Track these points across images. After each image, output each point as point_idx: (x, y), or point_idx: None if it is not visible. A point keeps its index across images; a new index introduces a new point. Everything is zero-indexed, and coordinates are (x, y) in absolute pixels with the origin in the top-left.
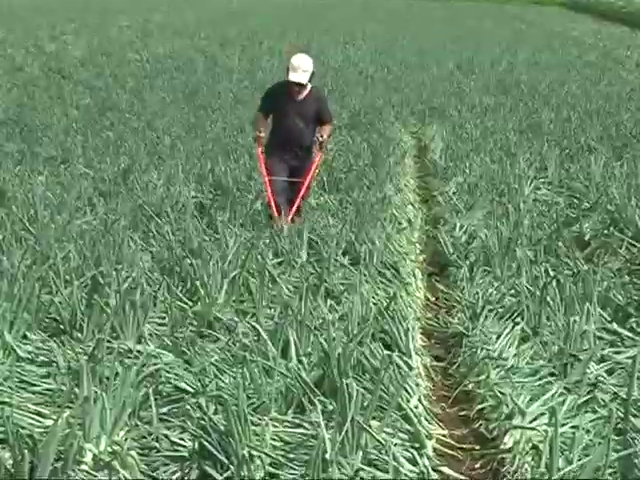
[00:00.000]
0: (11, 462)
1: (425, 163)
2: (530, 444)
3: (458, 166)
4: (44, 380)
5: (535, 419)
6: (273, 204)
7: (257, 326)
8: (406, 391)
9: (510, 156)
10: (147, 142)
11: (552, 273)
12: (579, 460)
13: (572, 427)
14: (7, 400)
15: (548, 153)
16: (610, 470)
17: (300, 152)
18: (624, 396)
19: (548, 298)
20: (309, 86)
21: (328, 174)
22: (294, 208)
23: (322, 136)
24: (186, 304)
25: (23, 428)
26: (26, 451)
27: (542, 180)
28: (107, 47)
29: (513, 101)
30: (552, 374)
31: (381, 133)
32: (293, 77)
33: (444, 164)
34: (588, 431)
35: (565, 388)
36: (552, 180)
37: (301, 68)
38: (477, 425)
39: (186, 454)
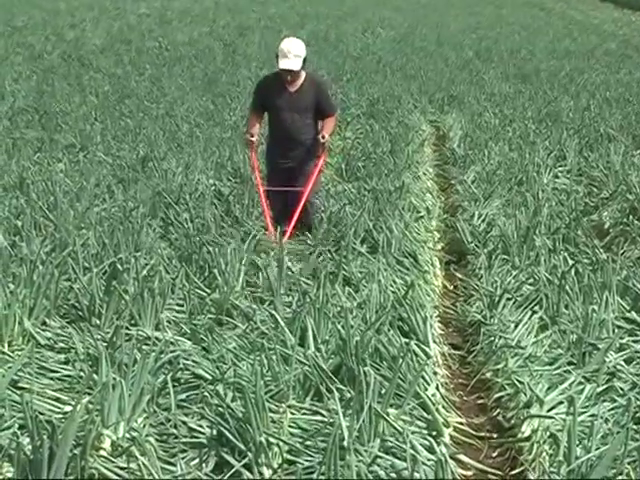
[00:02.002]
0: (30, 447)
1: (444, 151)
2: (548, 433)
3: (477, 154)
4: (63, 366)
5: (553, 408)
6: (268, 221)
7: (275, 314)
8: (424, 379)
9: (529, 144)
10: (166, 129)
11: (571, 262)
12: (597, 449)
13: (590, 416)
14: (26, 386)
15: (567, 141)
16: (629, 459)
17: (300, 152)
18: None
19: (567, 287)
20: (303, 73)
21: (346, 162)
22: (292, 225)
23: (323, 136)
24: (204, 292)
25: (42, 414)
26: (45, 437)
27: (561, 169)
28: (126, 34)
29: (532, 89)
30: (570, 363)
31: (400, 121)
32: (284, 64)
33: (463, 152)
34: (606, 420)
35: (583, 377)
36: (571, 169)
37: (292, 53)
38: (495, 413)
39: (204, 441)
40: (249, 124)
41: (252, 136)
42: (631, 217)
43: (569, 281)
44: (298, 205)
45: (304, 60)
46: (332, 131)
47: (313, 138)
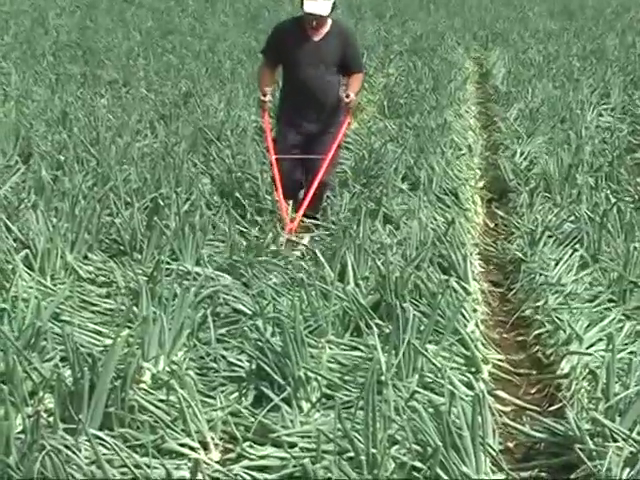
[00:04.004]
0: (71, 380)
1: (486, 89)
2: (587, 370)
3: (520, 92)
4: (104, 300)
5: (592, 345)
6: (281, 196)
7: (315, 250)
8: (463, 316)
9: (573, 82)
10: (208, 66)
11: (613, 200)
12: (636, 386)
13: (629, 353)
14: (68, 319)
15: (612, 79)
16: None
17: (321, 113)
18: None
19: (608, 225)
20: (330, 20)
21: (388, 99)
22: (307, 200)
23: (348, 95)
24: (245, 227)
25: (83, 346)
26: (86, 369)
27: (605, 106)
28: None
29: (577, 26)
30: (611, 300)
31: (443, 58)
32: (309, 7)
33: (506, 90)
34: None
35: (623, 314)
36: (615, 106)
37: None
38: (534, 350)
39: (243, 375)
40: (260, 80)
41: (264, 95)
42: None
43: (610, 219)
44: (314, 180)
45: (333, 4)
46: (358, 90)
47: (337, 98)
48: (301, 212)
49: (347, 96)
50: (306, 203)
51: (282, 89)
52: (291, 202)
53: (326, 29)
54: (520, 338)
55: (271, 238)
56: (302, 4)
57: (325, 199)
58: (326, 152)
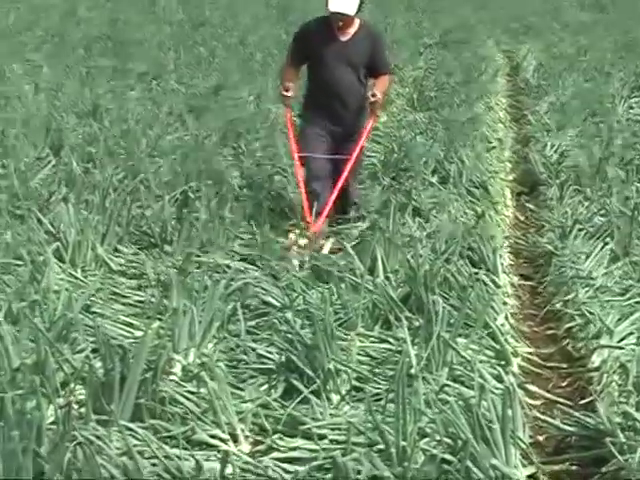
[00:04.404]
0: (102, 371)
1: (517, 82)
2: (618, 363)
3: (551, 85)
4: (135, 292)
5: (623, 339)
6: (304, 197)
7: (345, 243)
8: (493, 309)
9: (604, 75)
10: (239, 58)
11: None
12: None
13: None
14: (99, 311)
15: None
16: None
17: (346, 114)
18: None
19: (639, 218)
20: (358, 21)
21: (418, 92)
22: (331, 199)
23: (374, 94)
24: (274, 219)
25: (114, 338)
26: (117, 360)
27: (636, 100)
28: None
29: (609, 19)
30: None
31: (473, 51)
32: (335, 6)
33: (536, 83)
34: None
35: None
36: None
37: None
38: (564, 344)
39: (273, 367)
40: (284, 77)
41: (287, 91)
42: None
43: None
44: (337, 182)
45: (361, 3)
46: (385, 91)
47: (362, 100)
48: (325, 212)
49: (373, 95)
50: (329, 204)
51: (307, 88)
52: (316, 203)
53: (353, 29)
54: (550, 331)
55: (292, 239)
56: (327, 3)
57: (353, 204)
58: (350, 154)
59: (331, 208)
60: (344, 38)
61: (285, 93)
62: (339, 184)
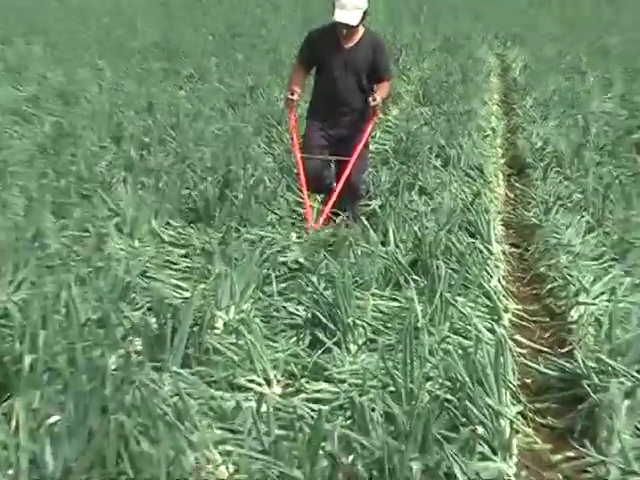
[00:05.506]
0: (156, 326)
1: (507, 80)
2: (593, 317)
3: (535, 83)
4: (183, 259)
5: (597, 297)
6: (305, 196)
7: (361, 217)
8: (487, 272)
9: (580, 74)
10: (270, 63)
11: (615, 173)
12: (634, 330)
13: (629, 303)
14: (153, 276)
15: (614, 72)
16: None
17: (350, 117)
18: None
19: (611, 195)
20: (362, 29)
21: (423, 89)
22: (332, 200)
23: (375, 98)
24: (302, 198)
25: (166, 298)
26: (168, 317)
27: (608, 95)
28: None
29: (579, 31)
30: (613, 259)
31: (470, 55)
32: (340, 16)
33: (523, 81)
34: None
35: (624, 271)
36: (616, 95)
37: (351, 3)
38: (547, 302)
39: (301, 322)
40: (291, 80)
41: (292, 94)
42: None
43: (613, 190)
44: (338, 182)
45: (364, 13)
46: (385, 96)
47: (364, 106)
48: (327, 209)
49: (374, 98)
50: (330, 204)
51: (312, 92)
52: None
53: (358, 37)
54: (535, 291)
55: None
56: (332, 13)
57: (357, 208)
58: (351, 155)
59: (334, 204)
60: (348, 45)
61: (290, 96)
62: (339, 185)
